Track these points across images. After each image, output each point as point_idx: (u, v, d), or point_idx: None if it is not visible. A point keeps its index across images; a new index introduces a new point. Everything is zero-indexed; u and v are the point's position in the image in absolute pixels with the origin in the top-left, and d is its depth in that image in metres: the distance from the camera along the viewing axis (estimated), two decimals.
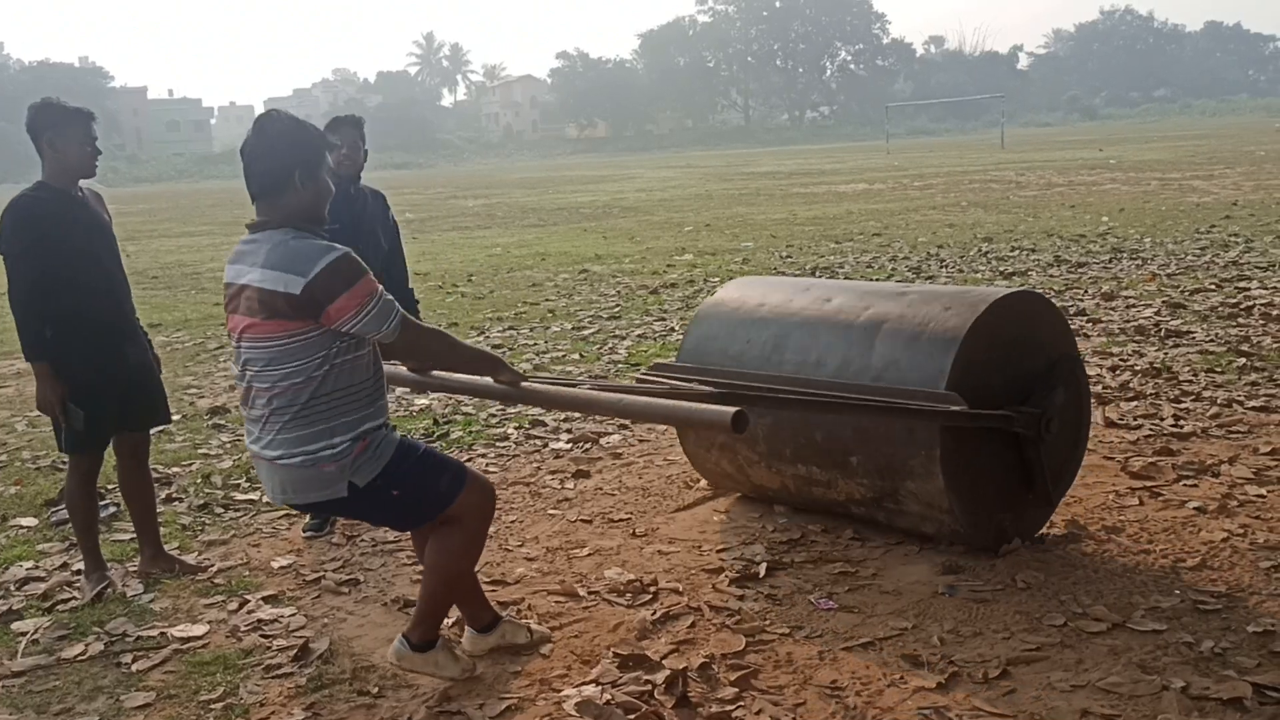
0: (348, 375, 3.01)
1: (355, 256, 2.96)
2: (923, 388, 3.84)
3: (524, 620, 3.70)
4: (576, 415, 6.31)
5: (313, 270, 2.87)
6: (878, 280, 11.52)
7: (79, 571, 4.35)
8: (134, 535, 4.53)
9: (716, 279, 12.33)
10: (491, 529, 4.70)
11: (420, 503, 3.20)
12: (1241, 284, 9.86)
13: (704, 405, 3.19)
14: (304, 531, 4.82)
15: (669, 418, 3.31)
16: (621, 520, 4.76)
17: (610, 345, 8.79)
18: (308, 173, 3.01)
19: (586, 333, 9.46)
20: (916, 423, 3.87)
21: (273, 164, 2.98)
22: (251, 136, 3.01)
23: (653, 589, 3.99)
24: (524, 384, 3.34)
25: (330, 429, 3.00)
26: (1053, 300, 4.34)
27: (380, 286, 2.98)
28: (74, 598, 4.19)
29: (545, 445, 6.04)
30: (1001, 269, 11.82)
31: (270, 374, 2.98)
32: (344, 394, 3.01)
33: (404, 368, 3.55)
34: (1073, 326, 8.27)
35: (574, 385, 3.69)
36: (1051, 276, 11.08)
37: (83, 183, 4.18)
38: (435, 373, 3.50)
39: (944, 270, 12.06)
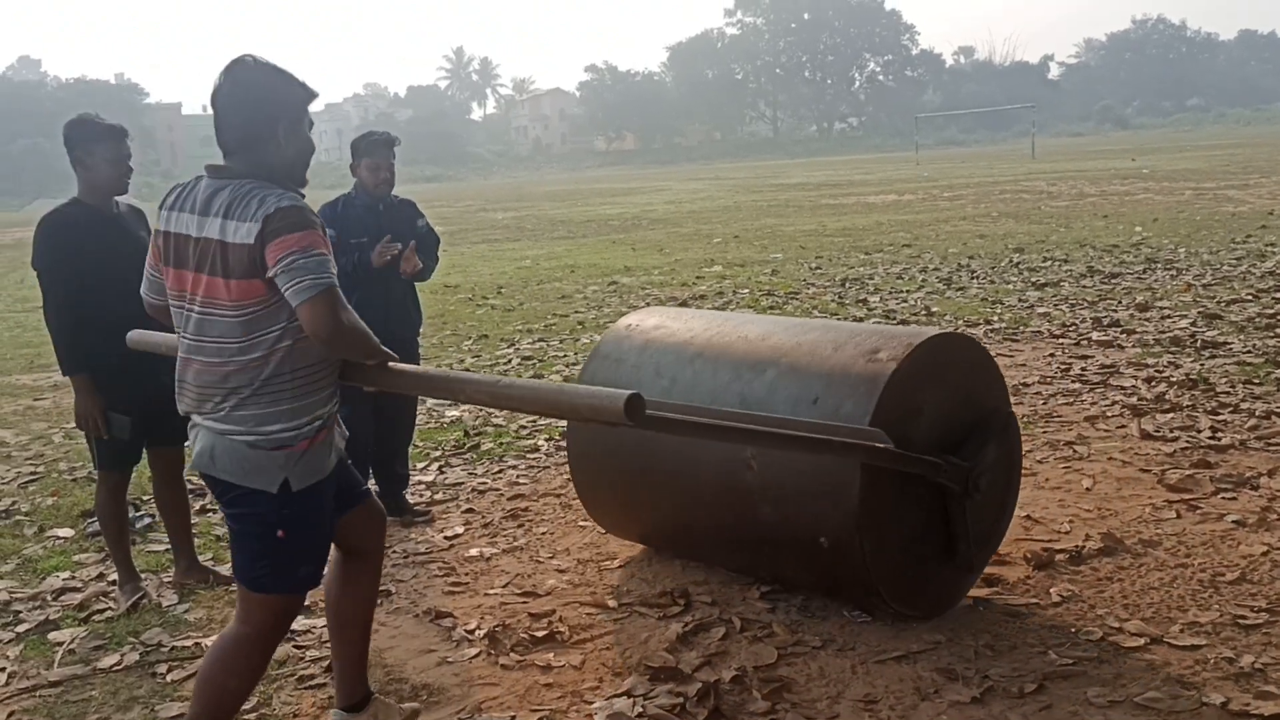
0: (310, 355, 2.69)
1: (309, 209, 2.64)
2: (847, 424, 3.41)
3: (392, 703, 3.28)
4: None
5: (263, 213, 2.56)
6: (907, 291, 11.47)
7: (115, 582, 4.39)
8: (169, 546, 4.57)
9: (746, 290, 12.32)
10: (522, 541, 4.75)
11: (293, 559, 2.79)
12: (1279, 295, 9.74)
13: (595, 389, 2.64)
14: None
15: (553, 406, 2.78)
16: None
17: None
18: (291, 126, 2.71)
19: None
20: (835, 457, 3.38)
21: (254, 113, 2.67)
22: (225, 83, 2.66)
23: (684, 601, 3.98)
24: (391, 365, 2.85)
25: (292, 410, 2.68)
26: (987, 349, 4.01)
27: (328, 249, 2.62)
28: (110, 608, 4.22)
29: None
30: (1034, 279, 11.74)
31: (228, 344, 2.65)
32: (306, 373, 2.70)
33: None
34: (1107, 337, 8.24)
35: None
36: (1084, 287, 10.99)
37: (123, 199, 4.22)
38: None
39: (975, 281, 11.99)
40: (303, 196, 2.69)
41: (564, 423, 6.68)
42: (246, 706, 3.38)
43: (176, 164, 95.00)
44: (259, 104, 2.68)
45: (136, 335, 3.60)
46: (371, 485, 5.20)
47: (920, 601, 3.71)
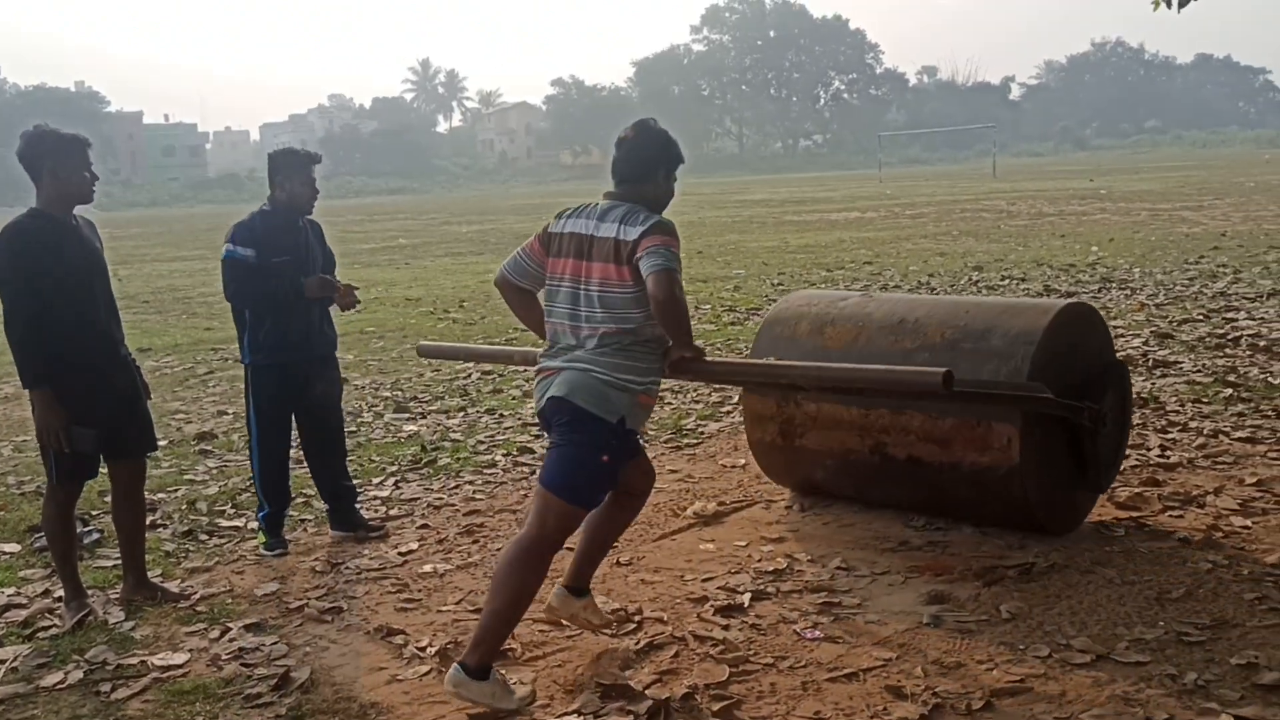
0: (656, 330, 3.49)
1: (674, 225, 3.49)
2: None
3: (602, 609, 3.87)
4: None
5: (648, 224, 3.43)
6: None
7: (60, 599, 4.32)
8: (117, 562, 4.51)
9: (708, 306, 12.36)
10: (476, 557, 4.74)
11: (591, 476, 3.47)
12: (1229, 315, 9.90)
13: (912, 368, 3.99)
14: (262, 550, 4.88)
15: (878, 381, 4.01)
16: None
17: None
18: (668, 172, 3.63)
19: None
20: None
21: (647, 156, 3.59)
22: (632, 133, 3.62)
23: (637, 618, 3.98)
24: (708, 359, 3.76)
25: (645, 368, 3.50)
26: (1100, 312, 4.88)
27: (678, 252, 3.43)
28: (55, 625, 4.16)
29: (533, 473, 6.02)
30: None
31: (609, 313, 3.45)
32: (651, 346, 3.51)
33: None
34: None
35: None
36: None
37: (75, 210, 4.18)
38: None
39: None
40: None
41: (521, 437, 6.69)
42: None
43: (137, 173, 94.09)
44: (652, 150, 3.61)
45: (428, 346, 4.99)
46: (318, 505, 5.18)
47: (1061, 518, 4.58)
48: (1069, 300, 4.68)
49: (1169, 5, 8.70)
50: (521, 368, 9.10)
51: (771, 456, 5.21)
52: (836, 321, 4.91)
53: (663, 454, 6.30)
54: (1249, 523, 4.61)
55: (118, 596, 4.39)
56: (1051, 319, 4.40)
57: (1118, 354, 4.92)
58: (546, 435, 3.63)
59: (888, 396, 4.57)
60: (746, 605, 4.04)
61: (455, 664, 3.37)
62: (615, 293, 3.45)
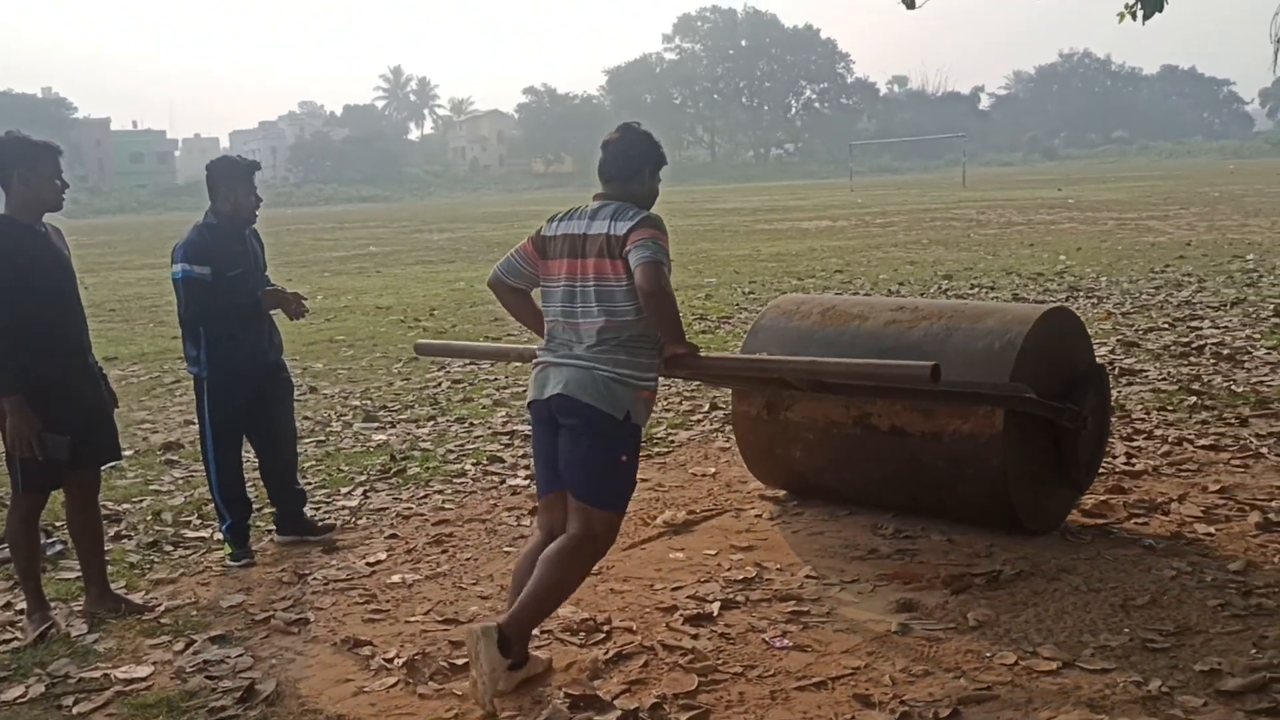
0: (652, 325, 3.59)
1: (662, 220, 3.62)
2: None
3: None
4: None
5: (637, 219, 3.55)
6: None
7: (22, 611, 4.26)
8: (80, 574, 4.46)
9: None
10: (445, 567, 4.72)
11: (617, 481, 3.62)
12: (1194, 323, 10.01)
13: (899, 362, 4.14)
14: (228, 560, 4.85)
15: (869, 375, 4.22)
16: None
17: None
18: (653, 171, 3.75)
19: None
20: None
21: (633, 156, 3.69)
22: (617, 134, 3.73)
23: (606, 628, 3.97)
24: (703, 354, 3.98)
25: (645, 364, 3.61)
26: (1080, 318, 5.02)
27: (665, 244, 3.55)
28: (16, 638, 4.10)
29: (503, 482, 6.01)
30: None
31: (603, 308, 3.55)
32: (647, 341, 3.61)
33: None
34: None
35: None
36: None
37: (44, 218, 4.15)
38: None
39: None
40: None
41: (491, 446, 6.67)
42: None
43: (104, 179, 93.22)
44: (638, 150, 3.71)
45: (425, 344, 5.14)
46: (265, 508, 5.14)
47: (1036, 510, 4.65)
48: (1052, 305, 4.74)
49: (1134, 17, 8.79)
50: (500, 372, 9.10)
51: (756, 431, 5.24)
52: (837, 307, 5.16)
53: None
54: (1213, 529, 4.66)
55: (81, 609, 4.33)
56: (1035, 322, 4.53)
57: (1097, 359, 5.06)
58: (535, 428, 3.75)
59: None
60: (715, 614, 4.04)
61: (495, 626, 3.36)
62: (610, 286, 3.56)
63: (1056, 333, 4.68)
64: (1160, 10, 8.68)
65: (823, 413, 4.92)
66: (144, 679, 3.72)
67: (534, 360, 3.76)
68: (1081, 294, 12.43)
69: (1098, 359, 5.07)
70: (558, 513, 3.69)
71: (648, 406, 3.67)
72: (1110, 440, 6.10)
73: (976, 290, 13.22)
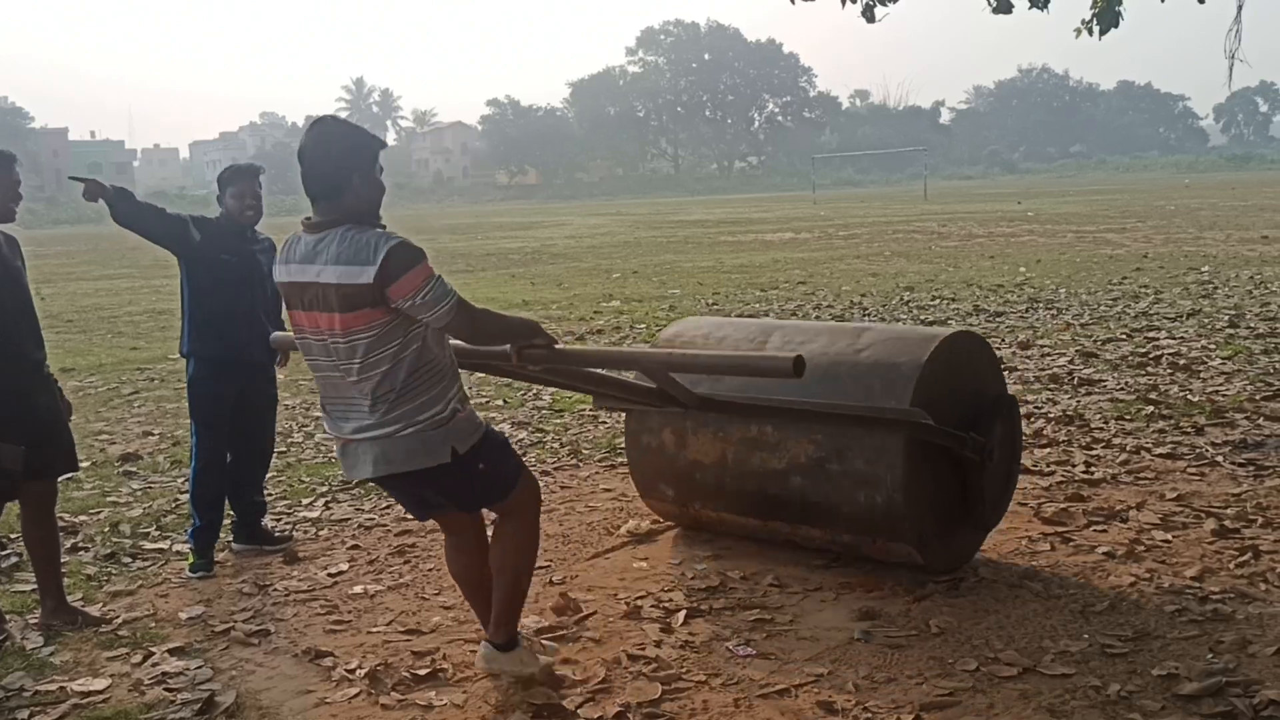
0: (431, 351, 3.21)
1: (413, 244, 3.12)
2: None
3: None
4: None
5: (379, 257, 3.02)
6: None
7: None
8: (36, 586, 4.39)
9: (643, 325, 12.39)
10: (408, 577, 4.69)
11: (496, 479, 3.41)
12: (1151, 334, 10.15)
13: (765, 353, 3.89)
14: (188, 571, 4.80)
15: (730, 366, 3.80)
16: (540, 568, 4.69)
17: (535, 391, 8.73)
18: (364, 175, 3.17)
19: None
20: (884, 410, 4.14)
21: (331, 167, 3.12)
22: (308, 141, 3.15)
23: (568, 637, 3.96)
24: (558, 346, 3.53)
25: (431, 399, 3.20)
26: (989, 343, 4.75)
27: (435, 271, 3.14)
28: None
29: None
30: (923, 317, 12.04)
31: (368, 362, 3.14)
32: (431, 369, 3.21)
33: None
34: None
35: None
36: (970, 325, 11.30)
37: None
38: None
39: (867, 318, 12.25)
40: (384, 226, 3.19)
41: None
42: None
43: (62, 190, 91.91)
44: (335, 157, 3.13)
45: (280, 336, 4.32)
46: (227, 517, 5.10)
47: (945, 556, 4.35)
48: (955, 330, 4.48)
49: (1090, 33, 8.94)
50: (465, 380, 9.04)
51: (648, 458, 4.85)
52: (730, 336, 4.80)
53: (596, 473, 6.29)
54: (1169, 537, 4.72)
55: (36, 622, 4.27)
56: (935, 348, 4.22)
57: (1010, 386, 4.88)
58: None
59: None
60: (679, 623, 4.04)
61: (484, 642, 3.60)
62: (364, 338, 3.12)
63: (963, 358, 4.39)
64: (1116, 26, 8.85)
65: (716, 441, 4.55)
66: (101, 692, 3.67)
67: (329, 433, 3.43)
68: (1041, 305, 12.57)
69: (1009, 388, 4.72)
70: (451, 519, 3.63)
71: (469, 422, 3.31)
72: (1069, 449, 6.19)
73: (938, 302, 13.33)
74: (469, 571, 3.67)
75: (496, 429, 3.62)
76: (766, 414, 4.30)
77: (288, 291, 3.25)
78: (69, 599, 4.39)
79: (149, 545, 5.25)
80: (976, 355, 4.55)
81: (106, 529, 5.51)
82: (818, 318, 12.44)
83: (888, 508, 4.13)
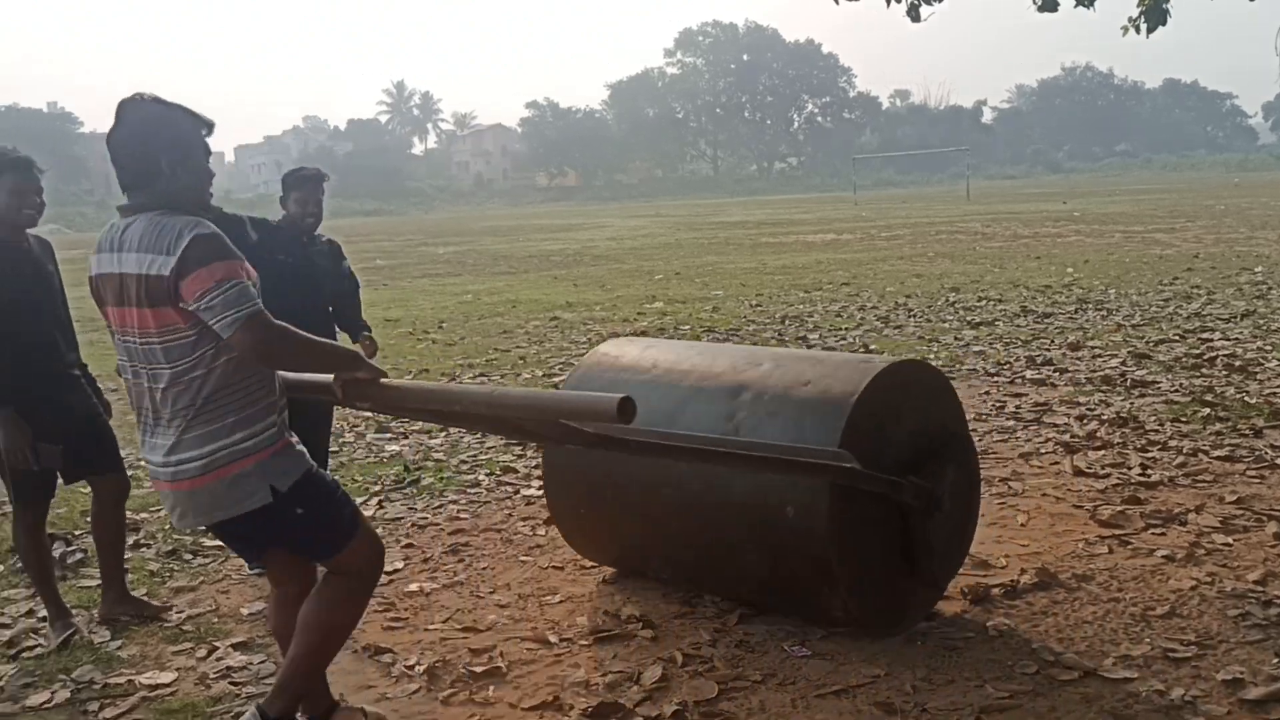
0: (243, 370, 2.83)
1: (224, 238, 2.76)
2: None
3: (357, 708, 3.42)
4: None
5: (180, 247, 2.69)
6: (846, 329, 11.63)
7: (45, 618, 4.28)
8: (100, 581, 4.47)
9: (687, 326, 12.40)
10: (463, 575, 4.72)
11: (321, 528, 2.98)
12: (1204, 335, 10.02)
13: (588, 394, 3.13)
14: (248, 569, 4.83)
15: (550, 410, 2.98)
16: (593, 567, 4.74)
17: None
18: (178, 158, 2.83)
19: (557, 379, 9.46)
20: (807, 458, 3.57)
21: (138, 151, 2.82)
22: (115, 125, 2.82)
23: (625, 636, 3.98)
24: (386, 381, 3.01)
25: (240, 422, 2.81)
26: (944, 375, 4.28)
27: (246, 276, 2.74)
28: (40, 645, 4.12)
29: (517, 492, 6.02)
30: (969, 319, 11.96)
31: (166, 369, 2.78)
32: (245, 386, 2.83)
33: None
34: (1040, 376, 8.41)
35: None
36: (1018, 326, 11.21)
37: (32, 231, 4.18)
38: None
39: (912, 320, 12.18)
40: (210, 217, 2.85)
41: (504, 457, 6.69)
42: None
43: (111, 193, 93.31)
44: (144, 141, 2.82)
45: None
46: None
47: (886, 615, 3.87)
48: (897, 360, 3.95)
49: (1137, 30, 8.83)
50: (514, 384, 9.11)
51: (570, 497, 4.45)
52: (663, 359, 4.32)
53: None
54: (1230, 540, 4.67)
55: (100, 613, 4.35)
56: (873, 379, 3.73)
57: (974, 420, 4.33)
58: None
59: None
60: (735, 622, 4.05)
61: (253, 709, 3.11)
62: (171, 342, 2.77)
63: (910, 391, 3.94)
64: (1164, 23, 8.74)
65: (640, 479, 4.06)
66: (168, 685, 3.74)
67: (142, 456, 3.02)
68: (1090, 306, 12.44)
69: (967, 425, 4.24)
70: (280, 566, 3.23)
71: (287, 456, 2.91)
72: (1125, 452, 6.12)
73: (985, 303, 13.23)
74: (289, 630, 3.14)
75: (328, 474, 3.16)
76: (684, 455, 3.55)
77: (97, 286, 2.90)
78: (134, 593, 4.46)
79: (209, 542, 5.32)
80: (928, 388, 4.05)
81: (167, 526, 5.60)
82: (862, 319, 12.39)
83: (815, 560, 3.67)
